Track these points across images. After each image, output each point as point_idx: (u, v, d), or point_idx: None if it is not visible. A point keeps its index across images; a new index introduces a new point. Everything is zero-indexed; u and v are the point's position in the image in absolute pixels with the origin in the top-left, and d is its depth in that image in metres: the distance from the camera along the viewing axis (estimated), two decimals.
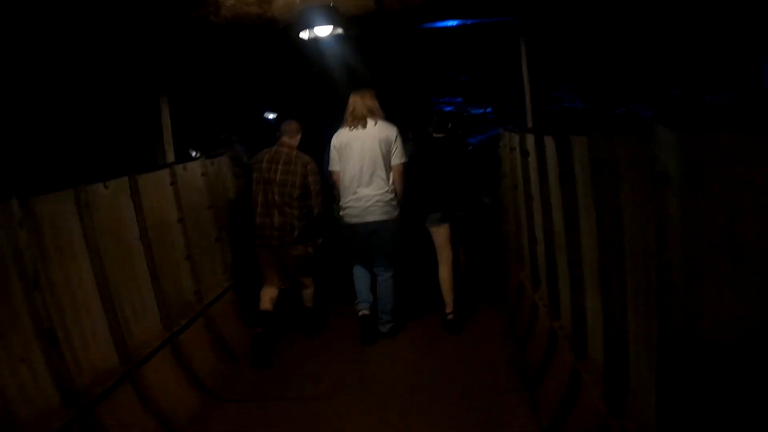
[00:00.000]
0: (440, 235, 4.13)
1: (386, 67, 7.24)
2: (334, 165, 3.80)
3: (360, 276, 4.07)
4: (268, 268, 4.14)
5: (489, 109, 8.98)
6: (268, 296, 4.12)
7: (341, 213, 3.89)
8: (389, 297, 3.99)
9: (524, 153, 3.65)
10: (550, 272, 3.19)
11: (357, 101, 3.73)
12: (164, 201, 3.96)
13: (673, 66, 8.15)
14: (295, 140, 4.02)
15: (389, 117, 3.96)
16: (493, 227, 5.54)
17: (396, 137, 3.69)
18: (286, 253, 4.01)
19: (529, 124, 4.11)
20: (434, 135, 4.32)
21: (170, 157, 4.41)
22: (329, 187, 4.17)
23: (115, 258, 3.15)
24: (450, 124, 4.59)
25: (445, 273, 4.15)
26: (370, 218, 3.70)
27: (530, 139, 3.56)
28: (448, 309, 4.16)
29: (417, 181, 3.98)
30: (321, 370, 3.79)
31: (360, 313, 4.05)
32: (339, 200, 3.99)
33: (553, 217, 3.11)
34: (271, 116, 9.88)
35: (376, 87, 4.07)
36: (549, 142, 2.96)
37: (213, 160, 4.91)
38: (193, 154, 8.42)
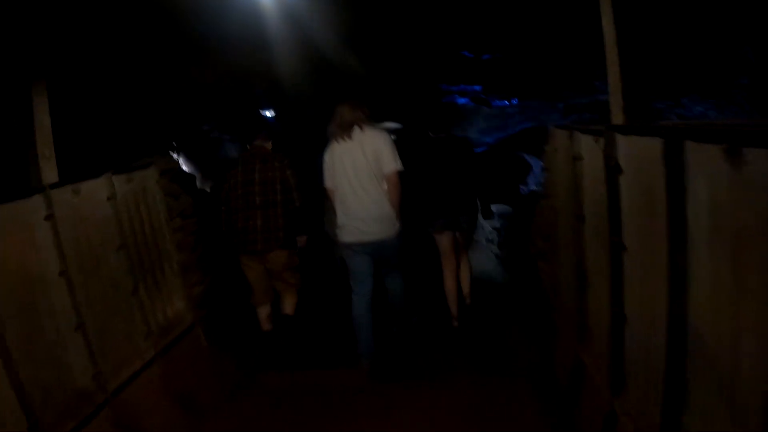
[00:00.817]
0: (444, 242, 4.11)
1: (380, 45, 5.66)
2: (327, 180, 3.61)
3: (361, 321, 3.68)
4: (255, 277, 3.97)
5: (514, 101, 7.29)
6: (265, 314, 4.03)
7: (337, 231, 3.65)
8: (400, 297, 3.80)
9: (613, 169, 2.07)
10: (664, 386, 1.66)
11: (344, 110, 3.52)
12: (32, 247, 2.58)
13: (743, 46, 6.44)
14: (269, 144, 3.96)
15: (386, 115, 4.19)
16: (515, 252, 5.03)
17: (387, 143, 3.45)
18: (272, 259, 3.86)
19: (617, 119, 2.47)
20: (433, 136, 4.21)
21: (49, 175, 2.91)
22: (320, 198, 4.08)
23: None
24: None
25: (450, 283, 4.16)
26: (368, 238, 3.47)
27: (628, 144, 1.99)
28: (455, 319, 4.15)
29: (418, 186, 3.91)
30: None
31: (365, 370, 3.66)
32: (331, 216, 3.85)
33: (690, 297, 1.56)
34: (268, 114, 8.92)
35: (367, 73, 4.43)
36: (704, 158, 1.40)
37: (131, 176, 3.41)
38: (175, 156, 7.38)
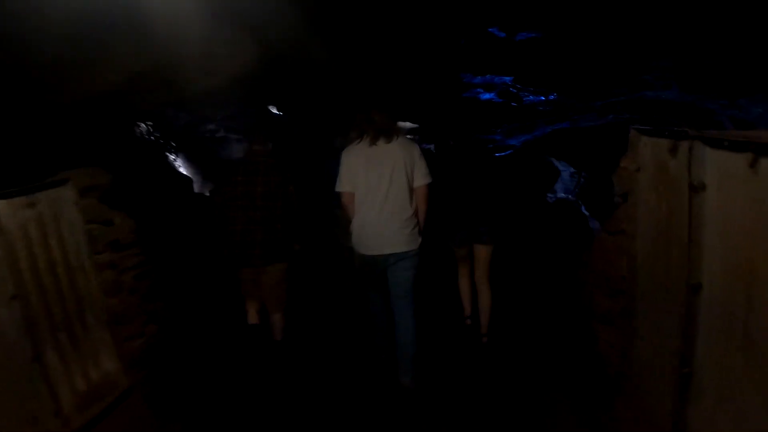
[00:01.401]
0: (463, 256, 3.97)
1: (386, 20, 4.53)
2: (345, 185, 3.23)
3: (379, 330, 3.51)
4: (251, 290, 3.79)
5: (552, 96, 6.14)
6: (253, 310, 3.84)
7: (353, 241, 3.32)
8: (411, 340, 3.36)
9: None
10: None
11: (375, 114, 3.20)
12: None
13: None
14: (268, 147, 3.70)
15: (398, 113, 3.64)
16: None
17: (419, 156, 3.21)
18: (267, 273, 3.70)
19: None
20: (453, 144, 4.07)
21: None
22: (330, 207, 4.01)
23: None
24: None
25: (464, 282, 4.03)
26: (389, 250, 3.18)
27: None
28: (483, 331, 3.92)
29: (438, 197, 3.62)
30: None
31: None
32: (345, 224, 3.54)
33: None
34: (274, 110, 8.16)
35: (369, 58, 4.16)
36: None
37: (33, 198, 2.48)
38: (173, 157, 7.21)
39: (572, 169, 9.97)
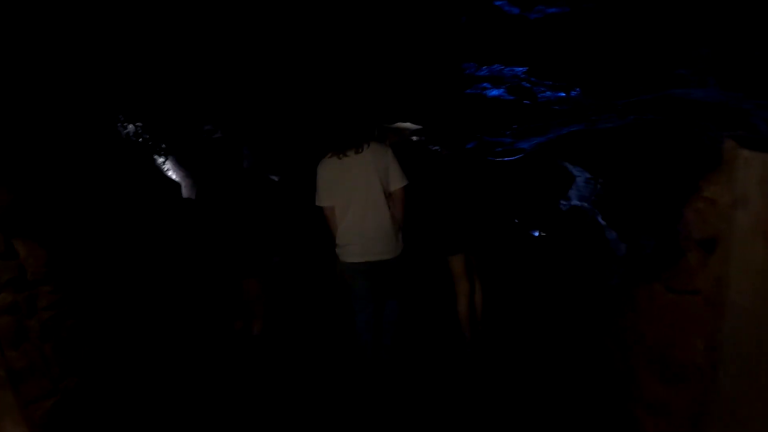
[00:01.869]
0: (455, 265, 3.87)
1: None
2: (324, 199, 3.27)
3: (366, 342, 3.43)
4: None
5: (574, 92, 5.22)
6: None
7: (338, 251, 3.35)
8: (393, 321, 3.49)
9: None
10: None
11: (349, 123, 3.24)
12: None
13: None
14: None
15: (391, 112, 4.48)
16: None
17: (392, 159, 3.24)
18: (252, 284, 3.74)
19: None
20: (445, 153, 4.01)
21: None
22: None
23: None
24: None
25: (463, 307, 3.88)
26: (371, 257, 3.23)
27: None
28: (468, 343, 3.83)
29: (430, 207, 3.80)
30: None
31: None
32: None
33: None
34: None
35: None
36: None
37: None
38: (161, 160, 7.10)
39: (588, 175, 9.13)
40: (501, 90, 5.07)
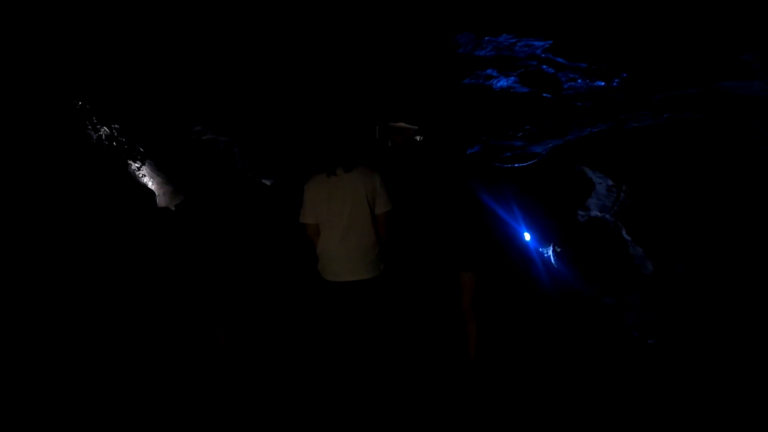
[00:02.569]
0: (451, 284, 3.78)
1: None
2: (309, 217, 3.31)
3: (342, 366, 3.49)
4: None
5: (617, 81, 3.85)
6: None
7: (318, 268, 3.40)
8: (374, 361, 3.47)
9: None
10: None
11: (332, 143, 3.32)
12: None
13: None
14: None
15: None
16: None
17: (380, 183, 3.28)
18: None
19: None
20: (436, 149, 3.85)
21: None
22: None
23: None
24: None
25: (471, 340, 3.72)
26: (351, 277, 3.26)
27: None
28: (471, 357, 3.70)
29: (422, 222, 3.75)
30: None
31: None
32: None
33: None
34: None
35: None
36: None
37: None
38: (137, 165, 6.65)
39: (610, 182, 7.90)
40: (511, 79, 3.74)
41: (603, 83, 3.71)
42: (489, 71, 3.50)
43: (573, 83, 3.65)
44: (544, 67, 3.41)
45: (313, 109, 6.25)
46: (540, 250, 8.09)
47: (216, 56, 5.12)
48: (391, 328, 3.57)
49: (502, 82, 3.78)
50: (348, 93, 5.36)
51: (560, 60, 3.25)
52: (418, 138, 7.17)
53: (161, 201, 7.28)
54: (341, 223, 3.22)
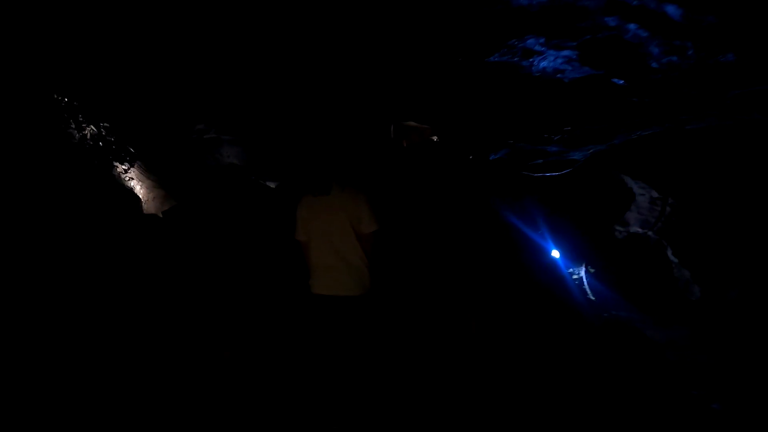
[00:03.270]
0: (451, 304, 3.92)
1: None
2: (300, 234, 3.55)
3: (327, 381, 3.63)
4: None
5: (729, 55, 2.78)
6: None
7: (309, 282, 3.57)
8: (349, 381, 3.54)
9: None
10: None
11: (321, 162, 3.53)
12: None
13: None
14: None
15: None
16: None
17: (364, 203, 3.40)
18: None
19: None
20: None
21: None
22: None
23: None
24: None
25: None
26: (337, 292, 3.41)
27: None
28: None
29: (420, 237, 3.72)
30: None
31: None
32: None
33: None
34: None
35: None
36: None
37: None
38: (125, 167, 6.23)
39: (655, 193, 6.73)
40: (564, 55, 2.44)
41: (711, 61, 2.35)
42: (530, 41, 2.22)
43: (665, 59, 2.33)
44: (632, 27, 2.06)
45: (319, 106, 5.88)
46: (570, 269, 6.97)
47: (220, 48, 4.83)
48: (374, 344, 3.60)
49: (547, 62, 2.52)
50: (357, 86, 4.78)
51: (669, 9, 1.92)
52: (435, 138, 6.19)
53: (149, 207, 6.98)
54: (327, 240, 3.42)
